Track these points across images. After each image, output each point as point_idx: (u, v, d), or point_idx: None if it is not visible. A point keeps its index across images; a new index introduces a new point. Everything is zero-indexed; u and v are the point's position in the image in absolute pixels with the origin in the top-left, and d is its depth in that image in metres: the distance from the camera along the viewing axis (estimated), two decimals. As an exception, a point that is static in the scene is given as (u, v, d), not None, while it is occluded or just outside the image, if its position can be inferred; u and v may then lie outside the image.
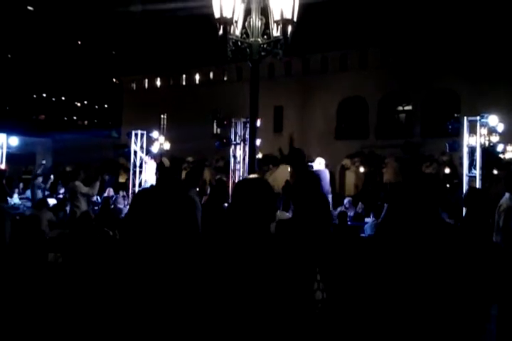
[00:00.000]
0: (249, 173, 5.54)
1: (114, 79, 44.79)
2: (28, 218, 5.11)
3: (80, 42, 55.00)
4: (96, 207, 9.52)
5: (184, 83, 36.62)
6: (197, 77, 36.14)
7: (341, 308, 2.76)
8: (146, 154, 13.62)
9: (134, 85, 39.00)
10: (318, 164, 9.32)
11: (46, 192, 13.35)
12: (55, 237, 6.04)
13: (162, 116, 36.28)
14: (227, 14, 5.40)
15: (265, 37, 5.80)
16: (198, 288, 2.07)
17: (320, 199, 3.20)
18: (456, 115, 27.04)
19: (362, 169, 27.87)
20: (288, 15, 5.37)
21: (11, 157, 14.31)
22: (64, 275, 5.12)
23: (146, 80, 38.21)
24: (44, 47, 50.02)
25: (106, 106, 54.09)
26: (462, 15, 25.34)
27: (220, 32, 5.66)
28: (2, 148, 12.91)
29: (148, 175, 12.97)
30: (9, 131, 14.31)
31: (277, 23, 5.50)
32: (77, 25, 51.33)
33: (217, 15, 5.46)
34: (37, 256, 4.90)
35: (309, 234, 3.01)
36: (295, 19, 5.43)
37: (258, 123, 8.14)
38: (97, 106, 56.03)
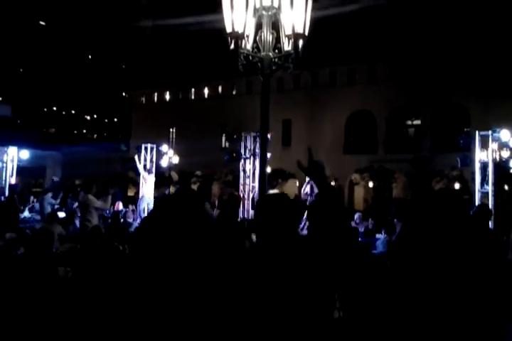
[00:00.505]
0: (260, 187, 5.49)
1: (123, 93, 45.20)
2: (40, 232, 5.07)
3: (90, 57, 55.71)
4: (106, 221, 9.48)
5: (193, 97, 36.84)
6: (206, 91, 36.36)
7: (358, 327, 2.70)
8: (145, 169, 13.63)
9: (143, 99, 39.28)
10: None
11: (56, 206, 13.36)
12: (65, 251, 6.00)
13: (171, 129, 36.35)
14: (239, 29, 5.42)
15: (276, 51, 5.81)
16: (218, 306, 2.03)
17: (343, 215, 3.14)
18: (465, 129, 26.92)
19: (371, 184, 27.70)
20: (299, 30, 5.39)
21: (22, 170, 14.39)
22: (74, 290, 5.06)
23: (156, 94, 38.48)
24: (55, 62, 50.69)
25: (115, 119, 54.50)
26: (471, 30, 25.39)
27: (232, 46, 5.67)
28: (13, 162, 12.98)
29: (147, 190, 13.03)
30: (20, 144, 14.40)
31: (289, 37, 5.51)
32: (88, 39, 52.03)
33: (228, 29, 5.48)
34: (48, 270, 4.85)
35: (329, 253, 2.95)
36: (306, 33, 5.44)
37: (269, 136, 8.11)
38: (106, 120, 56.47)
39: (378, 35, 30.67)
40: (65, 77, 51.17)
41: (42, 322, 4.55)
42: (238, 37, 5.42)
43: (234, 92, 35.11)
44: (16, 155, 13.20)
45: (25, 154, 13.79)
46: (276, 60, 5.70)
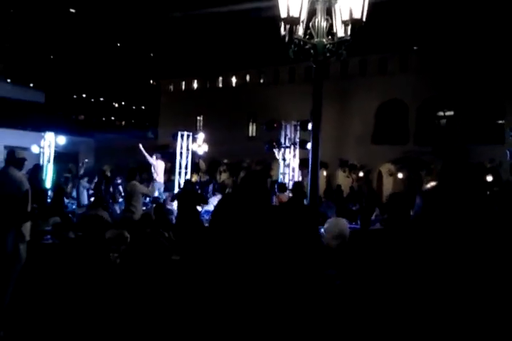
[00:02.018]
0: (312, 176, 5.40)
1: (151, 81, 45.32)
2: (92, 218, 5.09)
3: (119, 45, 55.97)
4: (144, 208, 9.52)
5: (220, 86, 36.75)
6: (233, 79, 36.22)
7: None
8: (155, 155, 13.55)
9: (171, 87, 39.35)
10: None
11: (91, 192, 13.49)
12: (112, 238, 6.02)
13: (198, 118, 36.47)
14: (294, 14, 5.29)
15: (329, 37, 5.69)
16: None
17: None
18: (499, 122, 26.27)
19: (400, 175, 27.31)
20: (357, 15, 5.24)
21: (57, 156, 14.56)
22: (125, 276, 5.08)
23: (184, 83, 38.50)
24: (84, 49, 51.12)
25: (143, 107, 54.81)
26: (504, 19, 24.64)
27: (283, 32, 5.56)
28: (50, 147, 13.11)
29: (158, 176, 13.03)
30: (56, 130, 14.54)
31: (345, 23, 5.37)
32: (117, 27, 52.25)
33: (283, 15, 5.36)
34: (101, 256, 4.88)
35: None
36: (364, 19, 5.30)
37: (309, 126, 7.97)
38: (134, 107, 56.82)
39: (411, 24, 30.05)
40: (94, 64, 51.59)
41: (100, 307, 4.59)
42: (293, 22, 5.30)
43: (261, 81, 34.87)
44: (53, 141, 13.34)
45: (62, 140, 13.93)
46: (329, 46, 5.58)
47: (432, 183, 2.55)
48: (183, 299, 4.70)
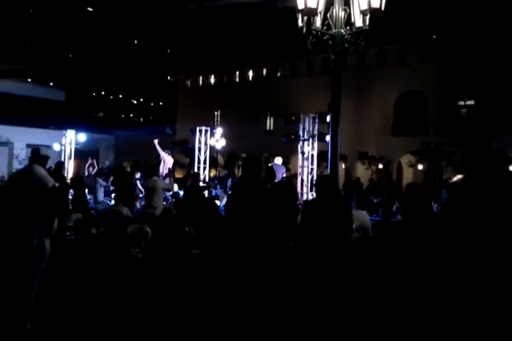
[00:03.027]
0: (331, 168, 5.35)
1: (169, 77, 45.46)
2: (113, 213, 5.12)
3: (136, 42, 56.31)
4: (164, 203, 9.57)
5: (238, 80, 36.72)
6: (250, 73, 36.15)
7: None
8: (166, 152, 13.54)
9: (188, 83, 39.46)
10: (276, 161, 10.89)
11: (111, 188, 13.63)
12: (134, 233, 6.06)
13: (216, 113, 36.53)
14: (312, 5, 5.24)
15: (347, 28, 5.62)
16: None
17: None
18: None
19: (420, 166, 26.98)
20: (376, 4, 5.16)
21: (77, 152, 14.77)
22: (146, 270, 5.12)
23: (201, 78, 38.57)
24: (102, 47, 51.57)
25: (161, 103, 55.16)
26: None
27: (300, 24, 5.51)
28: (71, 144, 13.29)
29: (167, 170, 13.02)
30: (76, 128, 14.74)
31: (364, 13, 5.29)
32: (133, 25, 52.55)
33: (300, 6, 5.31)
34: (123, 251, 4.91)
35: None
36: (383, 8, 5.21)
37: (328, 118, 7.90)
38: (152, 104, 57.23)
39: (429, 13, 29.55)
40: (112, 62, 52.03)
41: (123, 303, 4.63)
42: (311, 13, 5.25)
43: (278, 75, 34.73)
44: (73, 138, 13.52)
45: (82, 137, 14.11)
46: (348, 37, 5.51)
47: (459, 176, 2.50)
48: (203, 293, 4.71)
